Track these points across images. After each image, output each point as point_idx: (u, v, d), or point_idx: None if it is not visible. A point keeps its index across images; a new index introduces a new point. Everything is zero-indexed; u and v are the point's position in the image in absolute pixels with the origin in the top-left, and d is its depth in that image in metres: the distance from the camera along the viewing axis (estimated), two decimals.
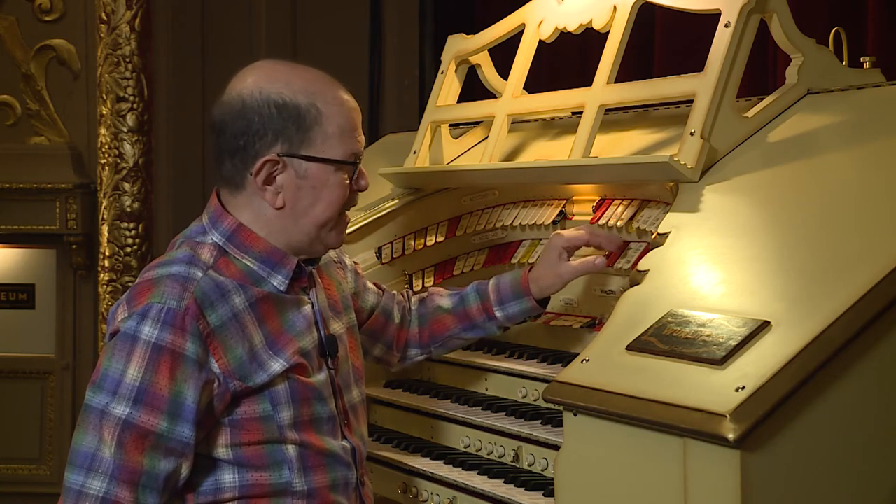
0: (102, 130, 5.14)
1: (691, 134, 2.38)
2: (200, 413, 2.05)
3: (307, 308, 2.24)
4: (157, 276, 2.11)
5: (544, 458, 2.44)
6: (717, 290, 2.06)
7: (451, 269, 3.11)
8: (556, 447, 2.24)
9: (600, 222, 2.68)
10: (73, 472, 2.03)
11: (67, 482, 2.03)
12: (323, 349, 2.24)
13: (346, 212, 2.27)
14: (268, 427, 2.11)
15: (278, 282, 2.19)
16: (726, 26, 2.43)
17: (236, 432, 2.11)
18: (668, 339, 1.97)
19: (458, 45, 3.18)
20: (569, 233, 2.58)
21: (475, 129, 3.25)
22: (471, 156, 3.16)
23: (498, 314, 2.60)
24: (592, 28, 2.76)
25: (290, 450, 2.13)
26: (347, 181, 2.20)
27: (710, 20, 2.49)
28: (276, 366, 2.12)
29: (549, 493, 2.28)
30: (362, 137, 2.25)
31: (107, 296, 5.10)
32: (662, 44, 4.37)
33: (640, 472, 1.91)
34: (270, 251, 2.18)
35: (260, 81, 2.17)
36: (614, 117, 2.87)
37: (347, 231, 2.36)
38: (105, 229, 5.14)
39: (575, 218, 2.86)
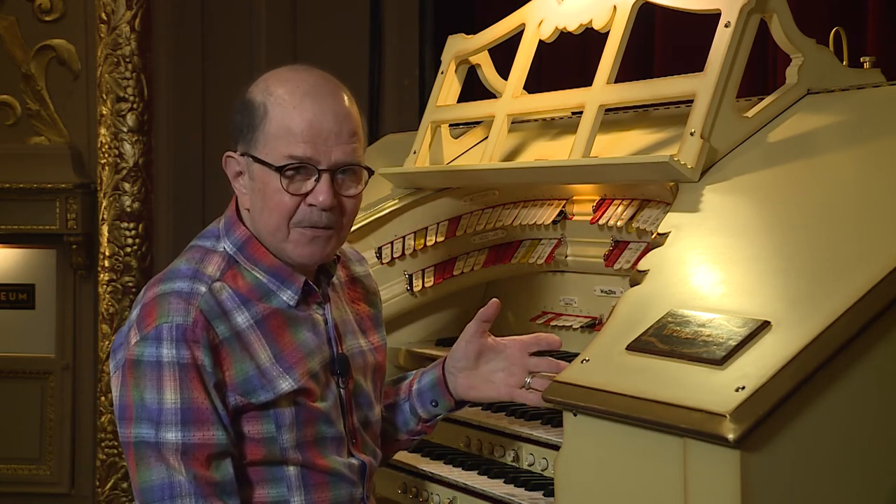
0: (102, 130, 5.14)
1: (691, 134, 2.38)
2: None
3: (320, 325, 2.19)
4: (160, 293, 2.08)
5: (544, 458, 2.44)
6: (717, 290, 2.06)
7: (451, 269, 3.10)
8: (556, 447, 2.24)
9: (600, 222, 2.68)
10: None
11: None
12: (333, 368, 2.19)
13: (311, 227, 2.10)
14: (270, 448, 2.09)
15: (288, 297, 2.14)
16: (726, 26, 2.43)
17: (239, 451, 2.08)
18: (668, 339, 1.97)
19: (458, 45, 3.18)
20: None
21: (475, 129, 3.25)
22: (471, 156, 3.16)
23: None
24: (592, 28, 2.76)
25: (291, 469, 2.11)
26: (286, 189, 2.07)
27: (710, 20, 2.49)
28: (285, 385, 2.08)
29: (549, 493, 2.28)
30: (326, 148, 2.08)
31: (107, 296, 5.10)
32: (662, 44, 4.37)
33: (640, 472, 1.91)
34: (278, 266, 2.14)
35: (251, 84, 2.18)
36: (614, 117, 2.87)
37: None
38: (105, 229, 5.14)
39: (575, 218, 2.86)
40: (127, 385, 2.04)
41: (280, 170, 2.07)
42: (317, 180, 2.09)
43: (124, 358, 2.06)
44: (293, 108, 2.08)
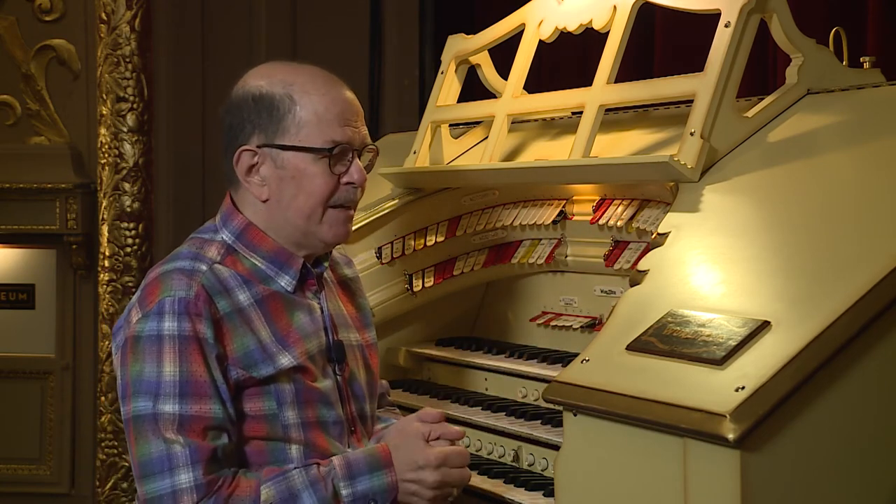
0: (102, 130, 5.14)
1: (691, 134, 2.38)
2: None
3: (316, 311, 2.23)
4: (162, 272, 2.12)
5: (544, 458, 2.44)
6: (717, 290, 2.06)
7: (451, 269, 3.11)
8: (556, 447, 2.24)
9: (600, 222, 2.68)
10: (155, 480, 2.02)
11: (154, 493, 2.02)
12: (330, 354, 2.23)
13: (345, 207, 2.21)
14: (272, 425, 2.12)
15: (286, 282, 2.19)
16: (726, 26, 2.43)
17: (242, 430, 2.11)
18: (668, 339, 1.97)
19: (458, 45, 3.18)
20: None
21: (475, 129, 3.25)
22: (471, 156, 3.16)
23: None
24: (592, 28, 2.76)
25: (293, 450, 2.13)
26: (329, 171, 2.16)
27: (710, 20, 2.49)
28: (285, 360, 2.12)
29: (549, 493, 2.28)
30: (356, 130, 2.19)
31: (107, 296, 5.10)
32: (662, 44, 4.37)
33: (640, 472, 1.91)
34: (277, 251, 2.19)
35: (248, 78, 2.23)
36: (614, 117, 2.87)
37: None
38: (105, 229, 5.13)
39: (575, 218, 2.86)
40: (126, 363, 2.08)
41: (328, 152, 2.15)
42: (350, 160, 2.19)
43: (125, 337, 2.09)
44: (323, 94, 2.17)
